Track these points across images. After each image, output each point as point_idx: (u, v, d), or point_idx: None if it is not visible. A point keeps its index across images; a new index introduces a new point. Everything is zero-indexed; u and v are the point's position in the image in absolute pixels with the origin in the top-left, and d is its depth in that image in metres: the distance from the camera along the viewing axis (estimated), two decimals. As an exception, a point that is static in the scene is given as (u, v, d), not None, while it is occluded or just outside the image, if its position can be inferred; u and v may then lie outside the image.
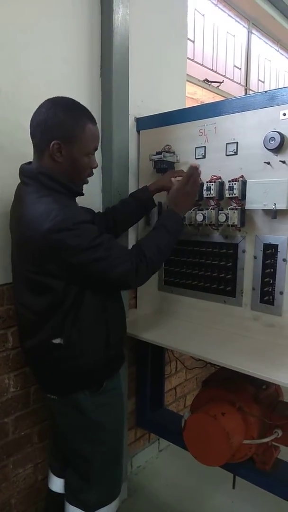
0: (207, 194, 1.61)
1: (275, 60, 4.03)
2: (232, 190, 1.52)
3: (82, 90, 1.75)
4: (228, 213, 1.55)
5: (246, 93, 3.56)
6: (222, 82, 3.24)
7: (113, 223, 1.63)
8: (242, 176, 1.53)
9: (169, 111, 1.83)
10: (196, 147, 1.69)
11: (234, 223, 1.54)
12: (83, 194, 1.37)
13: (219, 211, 1.59)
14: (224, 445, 1.50)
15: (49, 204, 1.18)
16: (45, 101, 1.25)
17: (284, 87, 1.43)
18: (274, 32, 3.79)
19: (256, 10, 3.40)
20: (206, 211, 1.62)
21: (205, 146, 1.67)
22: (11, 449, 1.67)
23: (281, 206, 1.40)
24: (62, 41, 1.65)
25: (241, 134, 1.54)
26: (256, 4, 3.30)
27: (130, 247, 1.39)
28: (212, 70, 3.21)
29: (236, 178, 1.53)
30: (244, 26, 3.51)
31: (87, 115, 1.27)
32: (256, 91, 3.74)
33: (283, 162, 1.43)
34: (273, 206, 1.41)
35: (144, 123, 1.94)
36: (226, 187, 1.54)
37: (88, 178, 1.40)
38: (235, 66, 3.48)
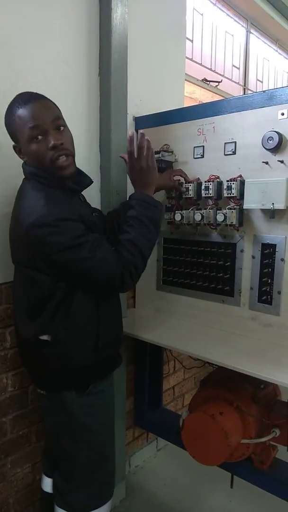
0: (205, 194, 1.61)
1: (273, 59, 4.04)
2: (231, 189, 1.52)
3: (81, 89, 1.75)
4: (226, 213, 1.55)
5: (244, 93, 3.56)
6: (221, 81, 3.24)
7: (117, 227, 1.59)
8: (240, 176, 1.53)
9: (168, 110, 1.83)
10: (194, 147, 1.69)
11: (232, 222, 1.54)
12: (79, 189, 1.34)
13: (217, 211, 1.58)
14: (222, 444, 1.50)
15: (37, 199, 1.18)
16: None
17: (282, 87, 1.43)
18: (272, 31, 3.80)
19: (255, 9, 3.40)
20: (205, 210, 1.62)
21: (203, 146, 1.66)
22: (9, 449, 1.67)
23: (279, 205, 1.40)
24: (60, 39, 1.64)
25: (240, 134, 1.54)
26: (254, 4, 3.30)
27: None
28: (210, 69, 3.21)
29: (235, 178, 1.53)
30: (242, 26, 3.52)
31: (17, 103, 1.20)
32: (255, 90, 3.74)
33: (281, 161, 1.43)
34: (271, 206, 1.41)
35: (142, 122, 1.94)
36: (225, 186, 1.54)
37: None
38: (233, 65, 3.49)
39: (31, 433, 1.75)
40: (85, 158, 1.77)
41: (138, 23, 1.93)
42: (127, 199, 1.79)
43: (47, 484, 1.59)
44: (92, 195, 1.80)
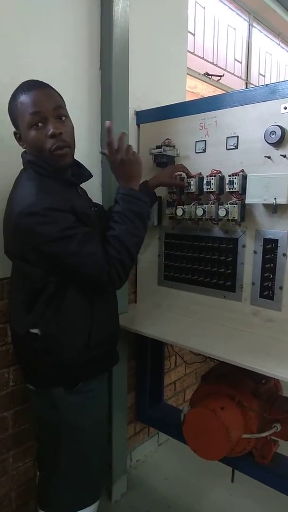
0: (207, 189, 1.60)
1: (276, 53, 4.01)
2: (233, 184, 1.51)
3: (81, 83, 1.73)
4: (228, 208, 1.54)
5: (246, 87, 3.54)
6: (223, 75, 3.22)
7: None
8: (242, 170, 1.52)
9: (169, 105, 1.82)
10: (196, 141, 1.68)
11: (234, 217, 1.53)
12: (76, 182, 1.32)
13: (219, 206, 1.58)
14: (223, 439, 1.50)
15: (29, 188, 1.16)
16: None
17: (285, 81, 1.41)
18: (275, 25, 3.77)
19: (257, 3, 3.37)
20: (206, 205, 1.62)
21: (205, 140, 1.66)
22: (10, 443, 1.68)
23: (281, 200, 1.39)
24: (61, 33, 1.63)
25: (242, 128, 1.53)
26: (257, -3, 3.27)
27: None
28: (212, 63, 3.19)
29: (237, 172, 1.52)
30: (245, 19, 3.49)
31: (21, 89, 1.20)
32: (257, 85, 3.71)
33: (284, 156, 1.42)
34: (274, 201, 1.40)
35: (144, 117, 1.93)
36: (226, 181, 1.54)
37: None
38: (235, 59, 3.46)
39: (33, 428, 1.75)
40: (86, 152, 1.76)
41: (139, 17, 1.91)
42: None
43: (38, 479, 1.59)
44: (93, 190, 1.79)
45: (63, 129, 1.19)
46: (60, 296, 1.21)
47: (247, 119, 1.51)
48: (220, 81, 3.19)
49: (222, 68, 3.29)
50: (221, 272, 1.68)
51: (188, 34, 2.46)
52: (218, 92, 3.11)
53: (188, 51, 2.48)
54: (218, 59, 3.25)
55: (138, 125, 1.96)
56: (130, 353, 2.12)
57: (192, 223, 1.72)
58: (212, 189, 1.58)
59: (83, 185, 1.41)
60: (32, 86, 1.19)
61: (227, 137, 1.58)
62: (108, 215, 1.59)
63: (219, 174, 1.58)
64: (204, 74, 3.03)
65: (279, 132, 1.39)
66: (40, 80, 1.24)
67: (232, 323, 1.67)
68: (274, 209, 1.42)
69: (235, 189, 1.51)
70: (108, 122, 1.28)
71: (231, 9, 3.31)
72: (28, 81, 1.23)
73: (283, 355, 1.41)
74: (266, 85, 1.45)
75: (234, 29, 3.37)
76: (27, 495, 1.78)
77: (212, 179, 1.58)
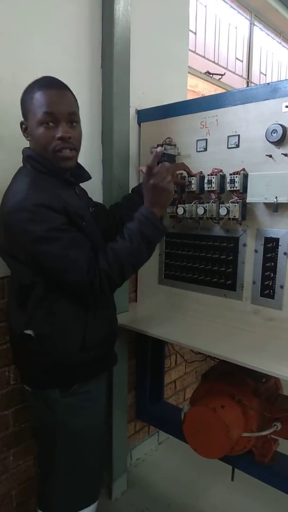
0: (208, 187, 1.60)
1: (277, 52, 4.00)
2: (234, 183, 1.51)
3: (82, 81, 1.73)
4: (229, 207, 1.54)
5: (247, 86, 3.54)
6: (224, 74, 3.21)
7: (120, 220, 1.56)
8: (243, 169, 1.52)
9: (171, 103, 1.82)
10: (197, 140, 1.68)
11: (235, 216, 1.53)
12: (74, 182, 1.31)
13: (220, 205, 1.58)
14: (224, 437, 1.50)
15: (22, 184, 1.15)
16: None
17: (286, 79, 1.41)
18: (276, 24, 3.76)
19: (259, 1, 3.37)
20: (207, 204, 1.61)
21: (206, 139, 1.65)
22: (11, 441, 1.68)
23: (282, 199, 1.39)
24: (62, 31, 1.63)
25: (243, 127, 1.53)
26: (258, -4, 3.27)
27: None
28: (213, 62, 3.18)
29: (238, 171, 1.52)
30: (246, 18, 3.48)
31: (39, 83, 1.19)
32: (258, 84, 3.71)
33: (285, 155, 1.42)
34: (275, 200, 1.40)
35: (145, 115, 1.93)
36: (228, 180, 1.53)
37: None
38: (237, 58, 3.45)
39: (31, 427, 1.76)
40: (87, 151, 1.75)
41: (140, 15, 1.91)
42: (129, 192, 1.78)
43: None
44: (94, 189, 1.79)
45: (72, 133, 1.19)
46: (52, 297, 1.19)
47: (248, 117, 1.51)
48: (221, 79, 3.19)
49: (223, 67, 3.29)
50: (222, 271, 1.68)
51: (190, 32, 2.46)
52: (219, 91, 3.11)
53: (189, 50, 2.48)
54: (219, 57, 3.25)
55: (139, 123, 1.96)
56: (130, 352, 2.12)
57: (193, 222, 1.72)
58: (213, 188, 1.58)
59: (83, 185, 1.41)
60: (51, 84, 1.19)
61: (228, 136, 1.57)
62: (109, 213, 1.60)
63: (220, 173, 1.58)
64: (205, 72, 3.03)
65: (280, 131, 1.39)
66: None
67: (233, 322, 1.67)
68: (275, 208, 1.42)
69: (236, 188, 1.51)
70: (159, 149, 1.27)
71: (233, 7, 3.30)
72: (48, 77, 1.22)
73: (284, 354, 1.41)
74: (268, 83, 1.45)
75: (236, 27, 3.37)
76: (27, 493, 1.78)
77: (213, 178, 1.57)
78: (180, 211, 1.70)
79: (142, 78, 1.97)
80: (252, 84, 3.62)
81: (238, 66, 3.48)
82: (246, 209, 1.54)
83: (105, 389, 1.45)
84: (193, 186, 1.65)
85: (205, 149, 1.66)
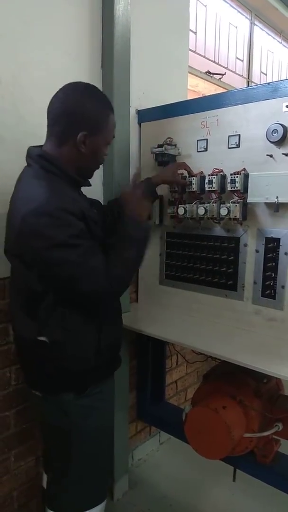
0: (208, 187, 1.60)
1: (277, 52, 3.99)
2: (234, 183, 1.51)
3: (83, 81, 1.72)
4: (230, 207, 1.53)
5: (248, 86, 3.53)
6: (224, 74, 3.21)
7: (117, 215, 1.54)
8: (244, 169, 1.52)
9: (171, 103, 1.82)
10: (198, 140, 1.67)
11: (236, 216, 1.53)
12: (88, 184, 1.33)
13: (221, 205, 1.57)
14: (225, 438, 1.50)
15: (38, 187, 1.11)
16: (68, 87, 1.22)
17: (287, 79, 1.41)
18: (277, 23, 3.75)
19: (259, 1, 3.36)
20: (208, 204, 1.61)
21: (207, 139, 1.65)
22: (12, 442, 1.68)
23: (283, 199, 1.38)
24: (62, 31, 1.63)
25: (244, 127, 1.53)
26: (259, -5, 3.26)
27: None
28: (214, 62, 3.18)
29: (238, 171, 1.51)
30: (246, 17, 3.47)
31: (109, 105, 1.27)
32: (259, 83, 3.70)
33: (286, 154, 1.41)
34: (276, 199, 1.40)
35: (145, 115, 1.93)
36: (228, 180, 1.53)
37: None
38: (237, 58, 3.45)
39: (35, 427, 1.75)
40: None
41: (141, 15, 1.91)
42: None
43: (44, 480, 1.57)
44: (95, 188, 1.78)
45: None
46: (66, 302, 1.18)
47: (249, 117, 1.51)
48: (221, 79, 3.18)
49: (223, 67, 3.28)
50: (223, 271, 1.67)
51: (190, 32, 2.45)
52: (220, 90, 3.10)
53: (190, 50, 2.48)
54: (220, 57, 3.24)
55: (139, 123, 1.96)
56: (131, 352, 2.12)
57: (193, 222, 1.72)
58: (213, 188, 1.58)
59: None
60: (113, 108, 1.28)
61: (228, 136, 1.57)
62: (107, 209, 1.59)
63: (221, 173, 1.58)
64: (206, 72, 3.02)
65: (281, 131, 1.39)
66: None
67: (234, 322, 1.66)
68: (276, 207, 1.41)
69: (236, 188, 1.51)
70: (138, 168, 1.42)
71: (233, 7, 3.29)
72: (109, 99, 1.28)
73: (285, 354, 1.41)
74: (268, 83, 1.45)
75: (236, 27, 3.36)
76: (29, 494, 1.78)
77: (214, 178, 1.57)
78: (181, 211, 1.70)
79: (143, 78, 1.97)
80: (253, 84, 3.61)
81: (238, 65, 3.47)
82: (247, 209, 1.54)
83: (114, 388, 1.46)
84: (193, 186, 1.65)
85: (206, 149, 1.66)
